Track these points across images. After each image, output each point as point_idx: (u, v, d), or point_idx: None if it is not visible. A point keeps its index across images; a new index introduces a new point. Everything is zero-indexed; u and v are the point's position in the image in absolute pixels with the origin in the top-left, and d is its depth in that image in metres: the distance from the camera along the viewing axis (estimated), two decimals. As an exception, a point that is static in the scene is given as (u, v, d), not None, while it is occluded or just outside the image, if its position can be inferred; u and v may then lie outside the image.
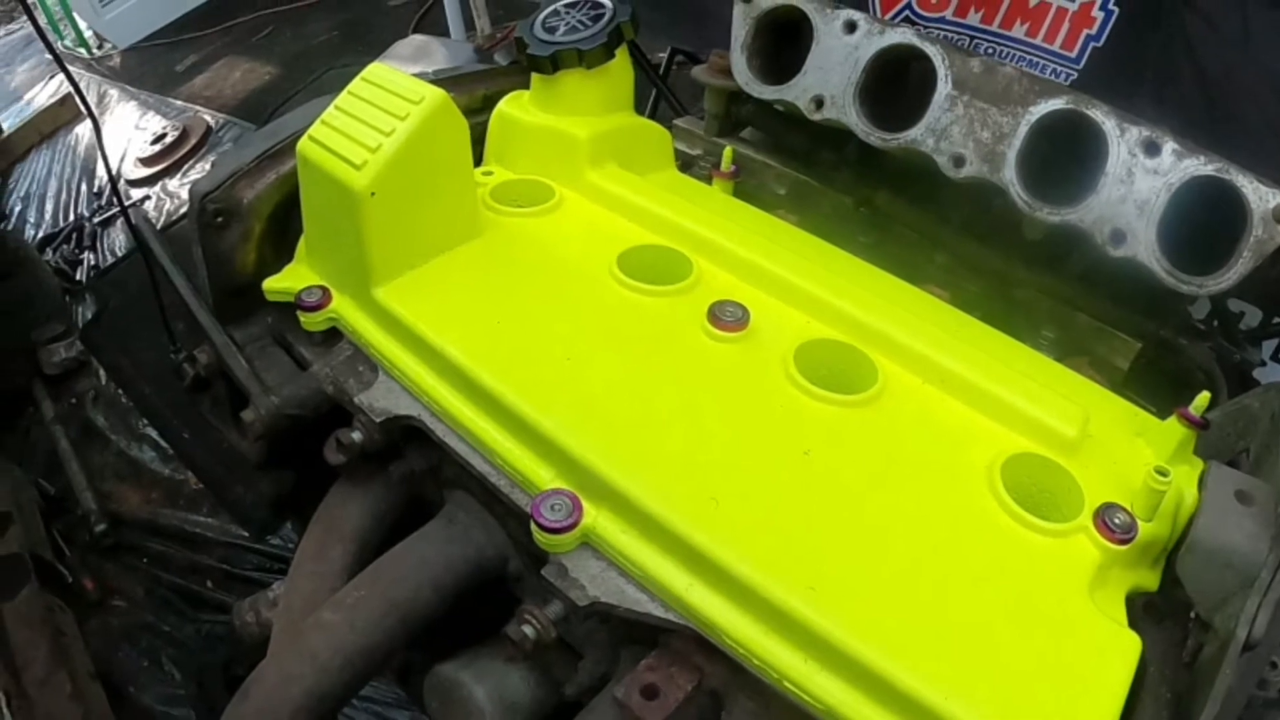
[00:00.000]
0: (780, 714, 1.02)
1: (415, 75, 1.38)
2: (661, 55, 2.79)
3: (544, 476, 1.14)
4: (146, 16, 6.13)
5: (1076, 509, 1.09)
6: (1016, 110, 1.40)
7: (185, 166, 4.85)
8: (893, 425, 1.19)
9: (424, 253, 1.38)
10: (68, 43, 6.15)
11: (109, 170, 1.91)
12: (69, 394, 3.77)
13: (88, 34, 6.15)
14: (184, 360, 1.50)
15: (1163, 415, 1.23)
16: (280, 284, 1.43)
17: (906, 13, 2.29)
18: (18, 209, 4.89)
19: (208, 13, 6.25)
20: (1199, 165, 1.29)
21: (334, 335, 1.40)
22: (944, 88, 1.45)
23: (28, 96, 5.81)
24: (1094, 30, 2.10)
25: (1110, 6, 2.05)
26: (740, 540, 1.02)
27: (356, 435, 1.28)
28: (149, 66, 5.86)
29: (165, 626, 2.97)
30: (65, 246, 4.52)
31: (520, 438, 1.18)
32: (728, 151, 1.70)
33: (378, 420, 1.27)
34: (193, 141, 4.94)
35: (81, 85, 5.48)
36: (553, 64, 1.52)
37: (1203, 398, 1.14)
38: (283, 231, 1.51)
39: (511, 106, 1.61)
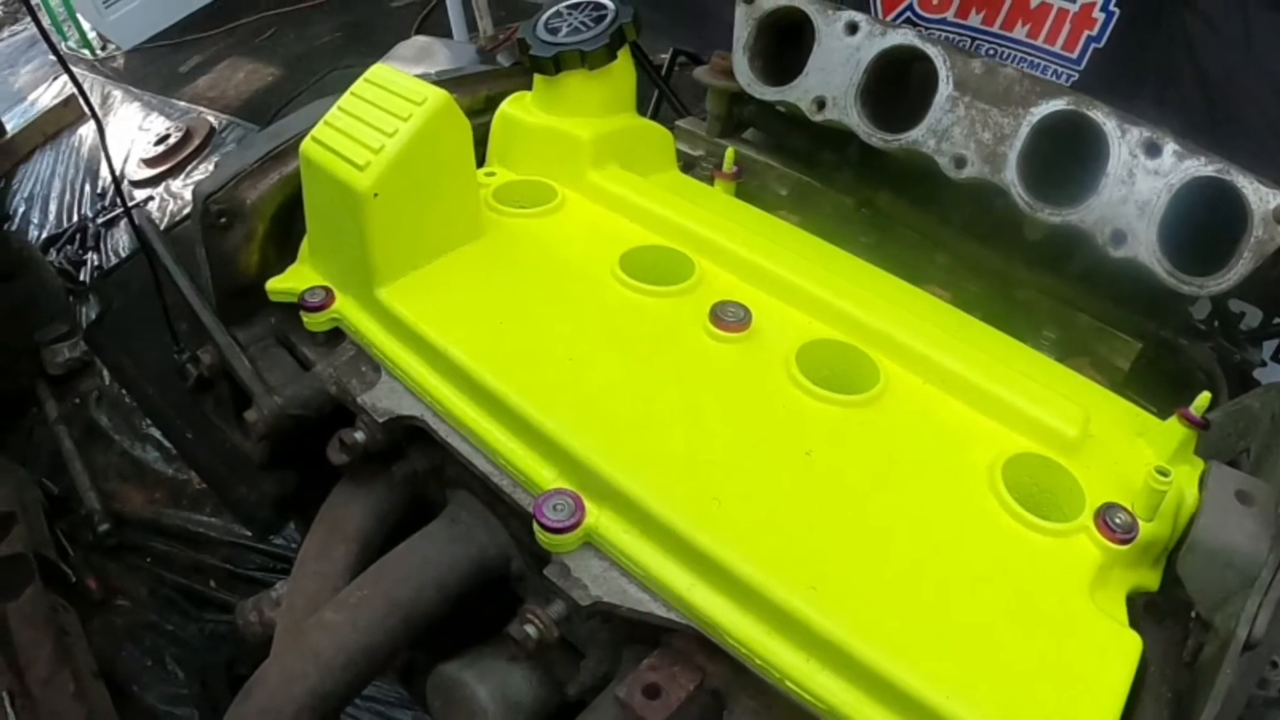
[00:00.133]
0: (782, 713, 1.02)
1: (418, 76, 1.38)
2: (664, 56, 2.80)
3: (546, 476, 1.14)
4: (150, 18, 6.14)
5: (1077, 509, 1.10)
6: (1018, 111, 1.40)
7: (188, 167, 4.86)
8: (894, 425, 1.20)
9: (427, 253, 1.38)
10: (71, 44, 6.16)
11: (112, 171, 1.91)
12: (72, 394, 3.77)
13: (91, 35, 6.16)
14: (187, 360, 1.51)
15: (1163, 415, 1.24)
16: (283, 284, 1.43)
17: (908, 14, 2.29)
18: (21, 210, 4.89)
19: (211, 14, 6.26)
20: (1200, 166, 1.29)
21: (337, 336, 1.41)
22: (945, 89, 1.45)
23: (31, 97, 5.82)
24: (1095, 31, 2.10)
25: (1111, 8, 2.05)
26: (742, 540, 1.02)
27: (359, 435, 1.29)
28: (152, 67, 5.87)
29: (168, 626, 2.97)
30: (69, 247, 4.53)
31: (523, 438, 1.18)
32: (729, 152, 1.70)
33: (380, 420, 1.28)
34: (196, 142, 4.95)
35: (85, 86, 5.52)
36: (555, 65, 1.52)
37: (1203, 398, 1.15)
38: (286, 232, 1.51)
39: (514, 107, 1.61)
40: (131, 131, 5.21)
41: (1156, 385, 1.50)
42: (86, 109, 1.65)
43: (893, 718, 0.93)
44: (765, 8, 1.61)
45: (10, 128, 5.29)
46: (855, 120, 1.54)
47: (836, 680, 0.95)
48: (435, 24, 5.37)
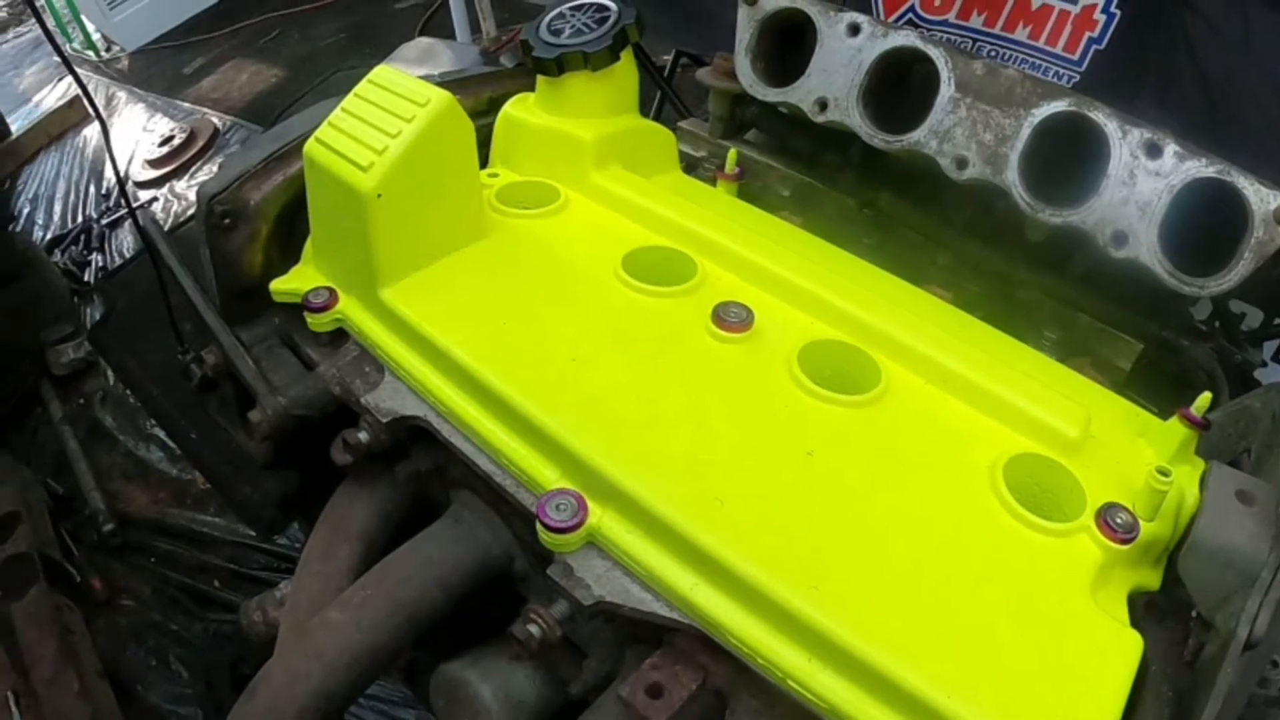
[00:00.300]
0: (784, 712, 1.03)
1: (421, 78, 1.39)
2: (666, 58, 2.81)
3: (549, 476, 1.14)
4: (154, 19, 6.15)
5: (1079, 509, 1.10)
6: (1019, 112, 1.40)
7: (193, 168, 4.87)
8: (896, 425, 1.20)
9: (430, 254, 1.39)
10: (76, 45, 6.18)
11: (117, 172, 1.93)
12: (77, 394, 3.78)
13: (96, 37, 6.18)
14: (191, 361, 1.51)
15: (1164, 416, 1.24)
16: (287, 285, 1.43)
17: (910, 15, 2.29)
18: (26, 211, 4.90)
19: (215, 15, 6.27)
20: (1200, 167, 1.29)
21: (340, 336, 1.41)
22: (947, 90, 1.45)
23: (36, 99, 5.83)
24: (1096, 33, 2.10)
25: (1112, 9, 2.05)
26: (744, 540, 1.03)
27: (363, 435, 1.29)
28: (157, 69, 5.88)
29: (173, 625, 2.98)
30: (73, 248, 4.53)
31: (526, 438, 1.18)
32: (732, 153, 1.71)
33: (384, 421, 1.28)
34: (200, 143, 4.96)
35: (90, 88, 5.50)
36: (558, 66, 1.52)
37: (1204, 398, 1.15)
38: (289, 233, 1.52)
39: (517, 109, 1.62)
40: (136, 133, 5.22)
41: (1157, 386, 1.51)
42: (91, 110, 1.65)
43: (895, 717, 0.93)
44: (767, 9, 1.61)
45: (15, 129, 5.30)
46: (857, 121, 1.54)
47: (838, 679, 0.96)
48: (438, 25, 5.38)
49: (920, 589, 1.01)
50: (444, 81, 1.59)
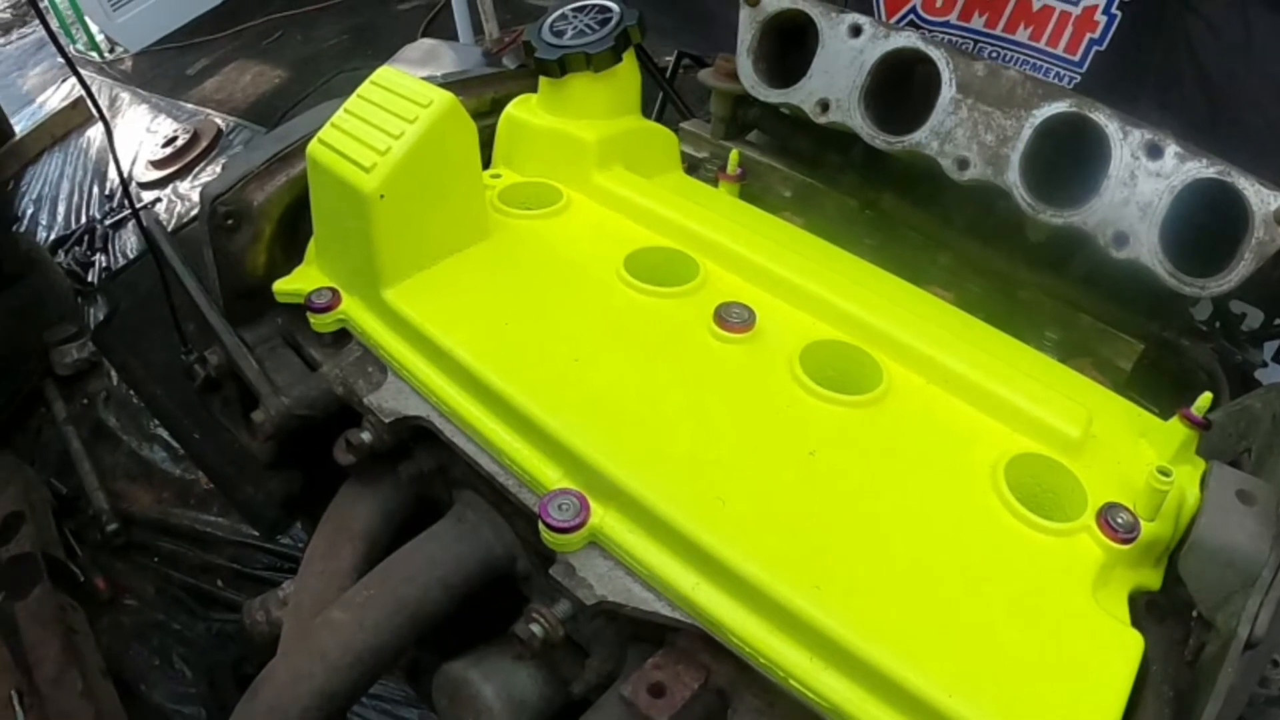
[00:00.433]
0: (786, 711, 1.03)
1: (424, 79, 1.39)
2: (668, 59, 2.81)
3: (552, 476, 1.15)
4: (158, 20, 6.17)
5: (1080, 508, 1.10)
6: (1020, 113, 1.40)
7: (196, 169, 4.88)
8: (897, 426, 1.20)
9: (433, 254, 1.39)
10: (79, 46, 6.20)
11: (120, 173, 1.92)
12: (81, 394, 3.79)
13: (99, 38, 6.20)
14: (195, 361, 1.51)
15: (1165, 416, 1.24)
16: (290, 285, 1.44)
17: (911, 17, 2.29)
18: (30, 211, 4.92)
19: (218, 17, 6.29)
20: (1201, 168, 1.29)
21: (343, 336, 1.41)
22: (948, 91, 1.46)
23: (40, 100, 5.85)
24: (1097, 34, 2.10)
25: (1113, 10, 2.05)
26: (746, 540, 1.03)
27: (366, 436, 1.29)
28: (160, 70, 5.90)
29: (176, 625, 2.99)
30: (77, 248, 4.55)
31: (528, 438, 1.19)
32: (733, 154, 1.71)
33: (387, 421, 1.28)
34: (203, 144, 4.97)
35: (93, 88, 5.51)
36: (560, 68, 1.53)
37: (1205, 398, 1.15)
38: (292, 233, 1.52)
39: (519, 110, 1.62)
40: (139, 134, 5.24)
41: (1158, 386, 1.51)
42: (95, 111, 1.66)
43: (896, 716, 0.93)
44: (769, 10, 1.61)
45: (19, 130, 5.33)
46: (859, 122, 1.54)
47: (840, 679, 0.96)
48: (441, 27, 5.39)
49: (921, 588, 1.01)
50: (447, 83, 1.60)
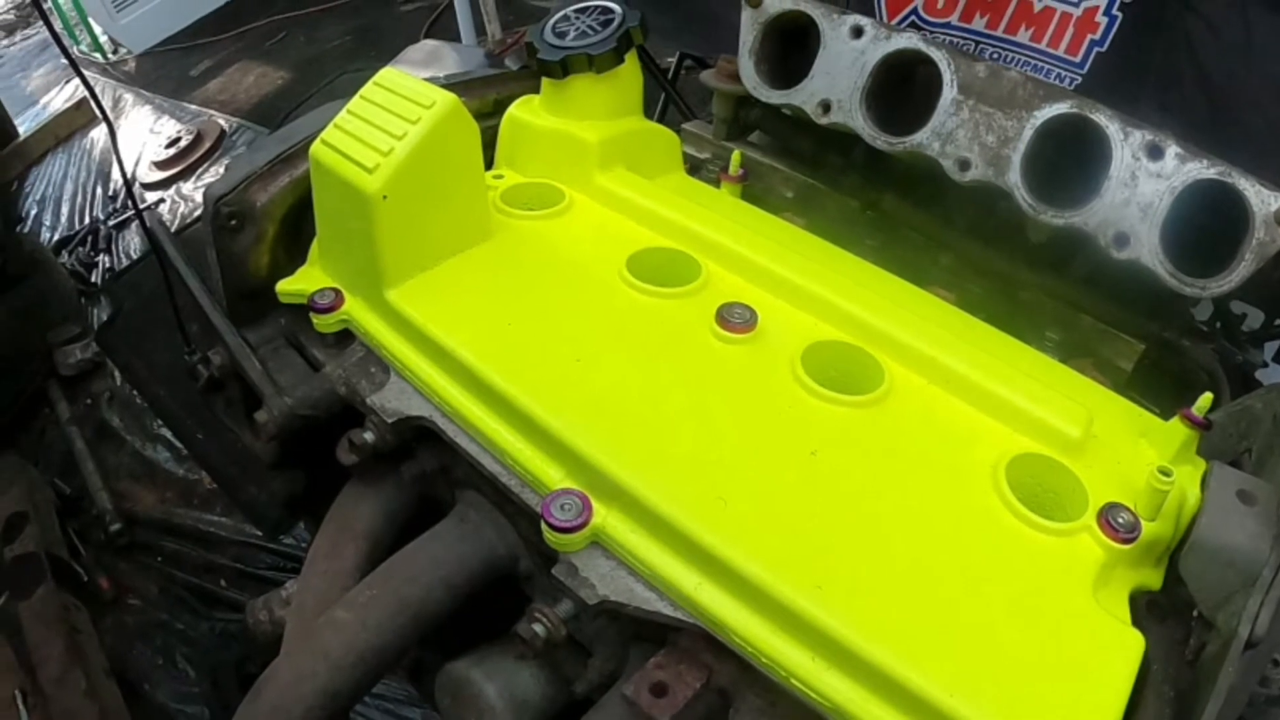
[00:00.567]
0: (787, 711, 1.03)
1: (427, 80, 1.39)
2: (670, 60, 2.82)
3: (554, 476, 1.15)
4: (161, 21, 6.18)
5: (1080, 509, 1.10)
6: (1021, 114, 1.41)
7: (199, 170, 4.89)
8: (899, 426, 1.20)
9: (435, 255, 1.39)
10: (83, 48, 6.20)
11: (124, 174, 1.93)
12: (84, 395, 3.80)
13: (103, 39, 6.21)
14: (198, 362, 1.52)
15: (1166, 416, 1.24)
16: (293, 286, 1.44)
17: (912, 18, 2.30)
18: (34, 212, 4.93)
19: (222, 18, 6.30)
20: (1202, 169, 1.29)
21: (346, 337, 1.42)
22: (950, 92, 1.46)
23: (44, 101, 5.86)
24: (1098, 35, 2.10)
25: (1114, 11, 2.05)
26: (748, 540, 1.03)
27: (368, 436, 1.30)
28: (163, 71, 5.91)
29: (179, 625, 2.99)
30: (81, 249, 4.56)
31: (530, 438, 1.19)
32: (735, 155, 1.71)
33: (389, 421, 1.29)
34: (207, 145, 4.98)
35: (97, 90, 5.53)
36: (563, 69, 1.53)
37: (1205, 399, 1.15)
38: (296, 234, 1.52)
39: (522, 110, 1.62)
40: (143, 134, 5.25)
41: (1159, 386, 1.51)
42: (98, 112, 1.67)
43: (898, 716, 0.93)
44: (771, 12, 1.62)
45: (23, 131, 5.34)
46: (860, 123, 1.54)
47: (842, 678, 0.96)
48: (444, 28, 5.39)
49: (923, 588, 1.01)
50: (449, 84, 1.60)
